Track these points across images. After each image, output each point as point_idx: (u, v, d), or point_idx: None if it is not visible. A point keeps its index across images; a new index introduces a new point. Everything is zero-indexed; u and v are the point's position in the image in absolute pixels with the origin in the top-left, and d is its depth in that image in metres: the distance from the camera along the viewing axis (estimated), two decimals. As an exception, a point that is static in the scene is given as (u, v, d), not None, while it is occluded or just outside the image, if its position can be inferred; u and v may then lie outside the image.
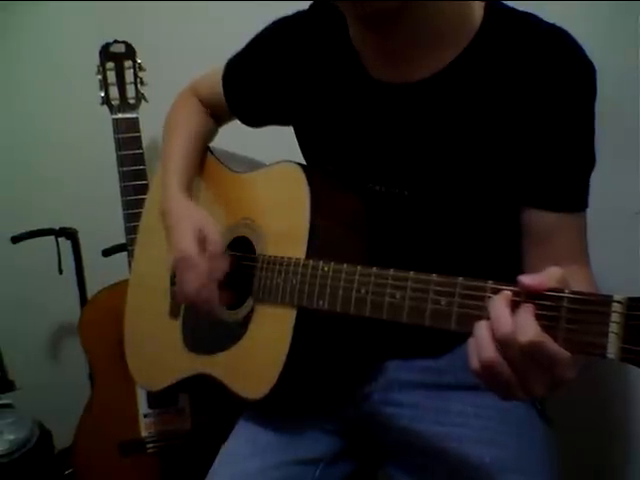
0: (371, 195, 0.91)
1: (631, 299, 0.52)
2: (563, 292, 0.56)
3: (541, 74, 0.80)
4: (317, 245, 0.87)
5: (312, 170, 0.95)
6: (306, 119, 1.00)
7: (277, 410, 0.97)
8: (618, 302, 0.52)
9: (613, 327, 0.52)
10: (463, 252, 0.90)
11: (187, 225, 0.98)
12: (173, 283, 1.10)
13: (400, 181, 0.89)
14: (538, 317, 0.56)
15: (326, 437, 0.96)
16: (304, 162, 1.03)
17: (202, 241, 0.96)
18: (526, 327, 0.56)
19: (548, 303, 0.56)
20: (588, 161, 0.85)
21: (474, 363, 0.60)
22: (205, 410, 1.44)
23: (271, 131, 1.13)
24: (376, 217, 0.91)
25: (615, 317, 0.52)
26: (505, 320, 0.58)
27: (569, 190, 0.84)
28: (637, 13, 1.13)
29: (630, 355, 0.51)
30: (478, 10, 0.85)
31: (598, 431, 1.35)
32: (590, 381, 1.24)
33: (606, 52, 1.15)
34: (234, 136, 1.19)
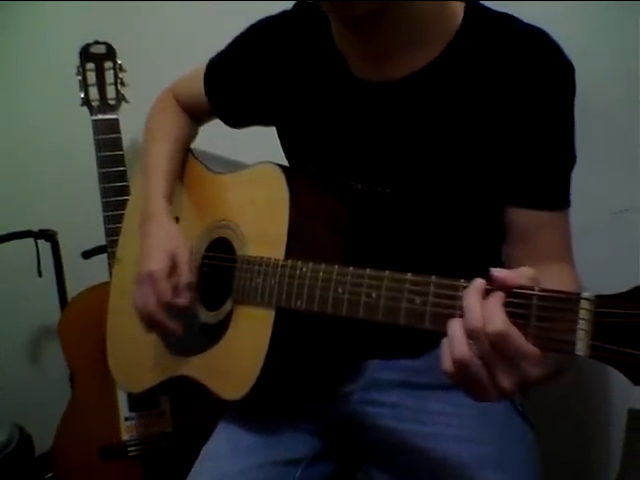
0: (353, 194, 0.92)
1: (599, 297, 0.52)
2: (533, 290, 0.56)
3: (521, 73, 0.81)
4: (297, 245, 0.87)
5: (292, 171, 0.95)
6: (288, 118, 1.00)
7: (257, 411, 0.97)
8: (587, 299, 0.52)
9: (582, 324, 0.52)
10: (445, 250, 0.91)
11: (162, 245, 0.99)
12: None
13: (382, 179, 0.89)
14: (509, 315, 0.57)
15: (306, 438, 0.96)
16: (286, 163, 1.03)
17: (173, 265, 0.97)
18: (494, 318, 0.57)
19: (519, 301, 0.57)
20: (568, 159, 0.86)
21: (447, 363, 0.60)
22: (186, 412, 1.44)
23: (253, 132, 1.13)
24: (358, 215, 0.92)
25: (584, 314, 0.52)
26: (476, 310, 0.58)
27: (550, 188, 0.85)
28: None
29: (599, 352, 0.51)
30: (458, 10, 0.86)
31: (577, 430, 1.36)
32: (569, 381, 1.25)
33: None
34: (216, 137, 1.20)
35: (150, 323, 0.99)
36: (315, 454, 0.96)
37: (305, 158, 0.98)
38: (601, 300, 0.52)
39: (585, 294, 0.53)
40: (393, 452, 0.92)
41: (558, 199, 0.86)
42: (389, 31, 0.82)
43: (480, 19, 0.85)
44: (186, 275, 0.97)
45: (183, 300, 0.96)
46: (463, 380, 0.60)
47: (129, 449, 1.43)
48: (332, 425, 0.97)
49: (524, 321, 0.56)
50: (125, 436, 1.43)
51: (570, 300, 0.53)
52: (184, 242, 1.01)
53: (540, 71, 0.81)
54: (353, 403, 0.96)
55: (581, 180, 1.21)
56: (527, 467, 0.87)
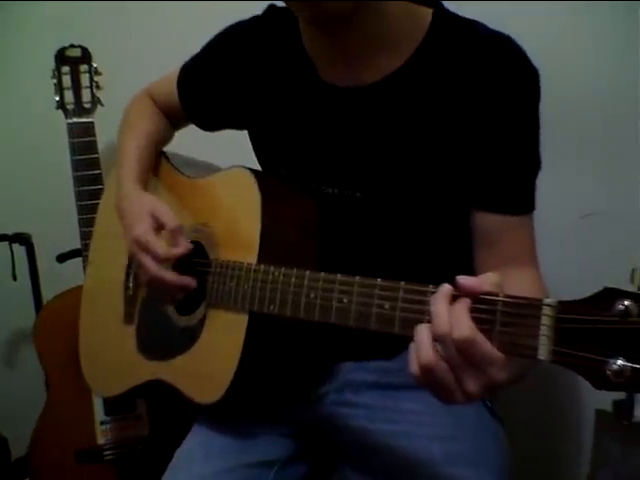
0: (324, 198, 0.93)
1: (561, 302, 0.53)
2: (498, 296, 0.57)
3: (487, 79, 0.83)
4: (269, 249, 0.88)
5: (264, 175, 0.96)
6: (260, 123, 1.01)
7: (231, 414, 0.97)
8: (549, 306, 0.54)
9: (544, 330, 0.53)
10: (415, 253, 0.92)
11: (142, 209, 0.98)
12: (127, 287, 1.10)
13: (353, 183, 0.90)
14: (475, 320, 0.58)
15: (281, 440, 0.97)
16: (259, 167, 1.04)
17: (157, 224, 0.96)
18: (460, 324, 0.58)
19: (484, 307, 0.58)
20: (533, 165, 0.88)
21: (414, 367, 0.61)
22: (163, 416, 1.44)
23: (226, 135, 1.13)
24: (329, 219, 0.93)
25: (546, 320, 0.53)
26: (443, 316, 0.59)
27: (516, 193, 0.87)
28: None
29: (560, 357, 0.53)
30: (426, 16, 0.87)
31: (547, 433, 1.38)
32: (538, 383, 1.28)
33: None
34: (189, 140, 1.20)
35: (163, 288, 0.95)
36: (289, 456, 0.97)
37: (276, 162, 0.99)
38: (563, 306, 0.53)
39: (547, 300, 0.54)
40: (366, 452, 0.93)
41: (523, 203, 0.87)
42: (358, 34, 0.84)
43: (447, 25, 0.86)
44: (172, 223, 0.95)
45: (180, 249, 0.94)
46: (429, 383, 0.61)
47: (105, 453, 1.42)
48: (306, 427, 0.98)
49: (489, 326, 0.57)
50: (101, 440, 1.43)
51: (532, 306, 0.54)
52: (156, 199, 1.00)
53: (505, 77, 0.83)
54: (327, 405, 0.97)
55: (551, 184, 1.24)
56: (498, 464, 0.89)
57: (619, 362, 0.49)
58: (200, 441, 0.97)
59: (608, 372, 0.49)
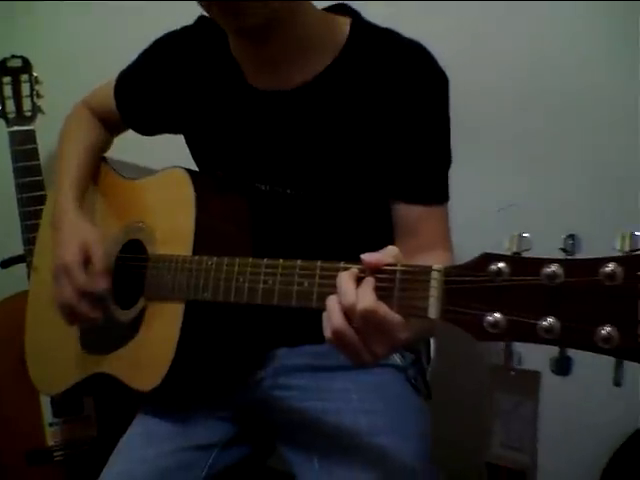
0: (257, 194, 0.99)
1: (447, 267, 0.61)
2: (396, 266, 0.65)
3: (401, 83, 0.91)
4: (203, 242, 0.94)
5: (198, 174, 1.02)
6: (194, 127, 1.07)
7: (171, 402, 1.02)
8: (437, 270, 0.61)
9: (433, 292, 0.61)
10: (342, 244, 0.98)
11: (74, 238, 1.02)
12: None
13: (282, 180, 0.98)
14: (377, 289, 0.65)
15: (220, 424, 1.02)
16: (196, 168, 1.09)
17: (86, 255, 1.00)
18: (364, 297, 0.65)
19: (384, 276, 0.65)
20: (444, 159, 0.97)
21: (327, 332, 0.68)
22: (110, 416, 1.46)
23: (165, 139, 1.19)
24: (263, 214, 0.99)
25: (434, 283, 0.61)
26: (349, 292, 0.66)
27: (429, 185, 0.95)
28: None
29: (448, 315, 0.60)
30: (344, 25, 0.95)
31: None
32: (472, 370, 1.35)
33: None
34: (129, 145, 1.25)
35: (71, 315, 1.01)
36: (229, 438, 1.02)
37: (212, 163, 1.05)
38: (449, 270, 0.61)
39: (435, 266, 0.62)
40: (300, 430, 0.99)
41: (436, 194, 0.96)
42: (279, 42, 0.91)
43: (365, 33, 0.95)
44: (100, 262, 0.99)
45: (100, 285, 0.99)
46: (341, 346, 0.68)
47: (55, 454, 1.44)
48: (245, 411, 1.03)
49: (389, 293, 0.65)
50: (50, 441, 1.44)
51: (424, 272, 0.62)
52: (95, 232, 1.04)
53: (417, 80, 0.92)
54: (264, 389, 1.03)
55: (471, 178, 1.33)
56: (419, 431, 0.96)
57: (495, 315, 0.57)
58: (142, 428, 1.01)
59: (485, 324, 0.57)
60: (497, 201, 1.36)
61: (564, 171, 1.32)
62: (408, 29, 0.95)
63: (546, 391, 1.21)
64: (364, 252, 0.97)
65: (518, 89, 1.33)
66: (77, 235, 1.03)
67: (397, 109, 0.91)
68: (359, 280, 0.67)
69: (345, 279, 0.68)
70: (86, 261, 1.00)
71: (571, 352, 0.55)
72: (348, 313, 0.66)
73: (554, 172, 1.33)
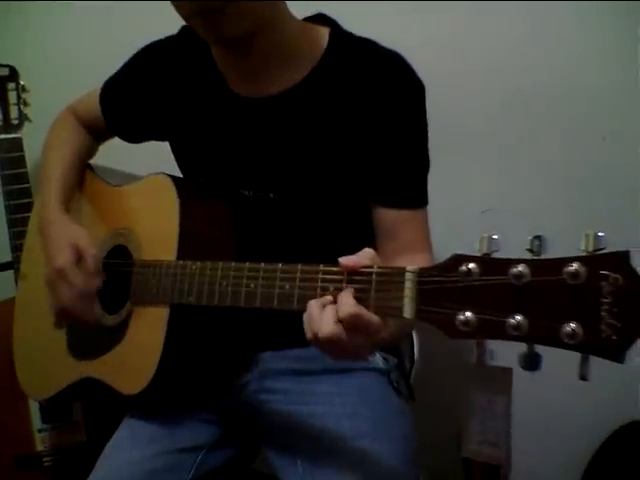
0: (241, 199, 1.01)
1: (421, 269, 0.63)
2: (372, 268, 0.67)
3: (379, 91, 0.94)
4: (187, 247, 0.95)
5: (182, 180, 1.04)
6: (178, 134, 1.09)
7: (158, 405, 1.03)
8: (411, 272, 0.63)
9: (407, 292, 0.63)
10: (324, 247, 1.00)
11: (63, 240, 1.03)
12: None
13: (265, 185, 0.99)
14: (355, 290, 0.67)
15: (206, 426, 1.03)
16: (180, 174, 1.11)
17: (78, 256, 1.01)
18: (345, 305, 0.67)
19: (361, 278, 0.67)
20: (423, 164, 0.99)
21: (308, 334, 0.71)
22: (99, 421, 1.47)
23: (150, 146, 1.20)
24: (246, 219, 1.01)
25: (408, 284, 0.63)
26: (326, 311, 0.69)
27: (409, 189, 0.98)
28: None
29: (422, 314, 0.62)
30: (324, 35, 0.98)
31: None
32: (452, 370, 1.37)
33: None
34: (115, 152, 1.26)
35: (70, 317, 1.01)
36: (215, 441, 1.03)
37: (196, 169, 1.07)
38: (422, 271, 0.63)
39: (409, 267, 0.64)
40: (284, 433, 1.00)
41: (415, 198, 0.98)
42: (259, 52, 0.93)
43: (343, 43, 0.97)
44: (92, 259, 1.00)
45: (95, 283, 0.99)
46: (322, 347, 0.70)
47: (44, 459, 1.45)
48: (230, 414, 1.05)
49: (366, 294, 0.67)
50: (39, 447, 1.45)
51: (398, 273, 0.64)
52: (83, 232, 1.04)
53: (394, 89, 0.94)
54: (249, 392, 1.04)
55: (455, 182, 1.35)
56: (402, 434, 0.97)
57: (466, 314, 0.59)
58: (128, 431, 1.03)
59: (457, 323, 0.59)
60: (480, 204, 1.38)
61: (544, 173, 1.34)
62: (398, 26, 0.96)
63: (519, 387, 1.22)
64: (346, 255, 1.00)
65: (500, 93, 1.35)
66: (66, 236, 1.03)
67: (375, 116, 0.94)
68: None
69: (319, 304, 0.70)
70: (78, 260, 1.01)
71: (548, 350, 0.57)
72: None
73: (533, 174, 1.36)
